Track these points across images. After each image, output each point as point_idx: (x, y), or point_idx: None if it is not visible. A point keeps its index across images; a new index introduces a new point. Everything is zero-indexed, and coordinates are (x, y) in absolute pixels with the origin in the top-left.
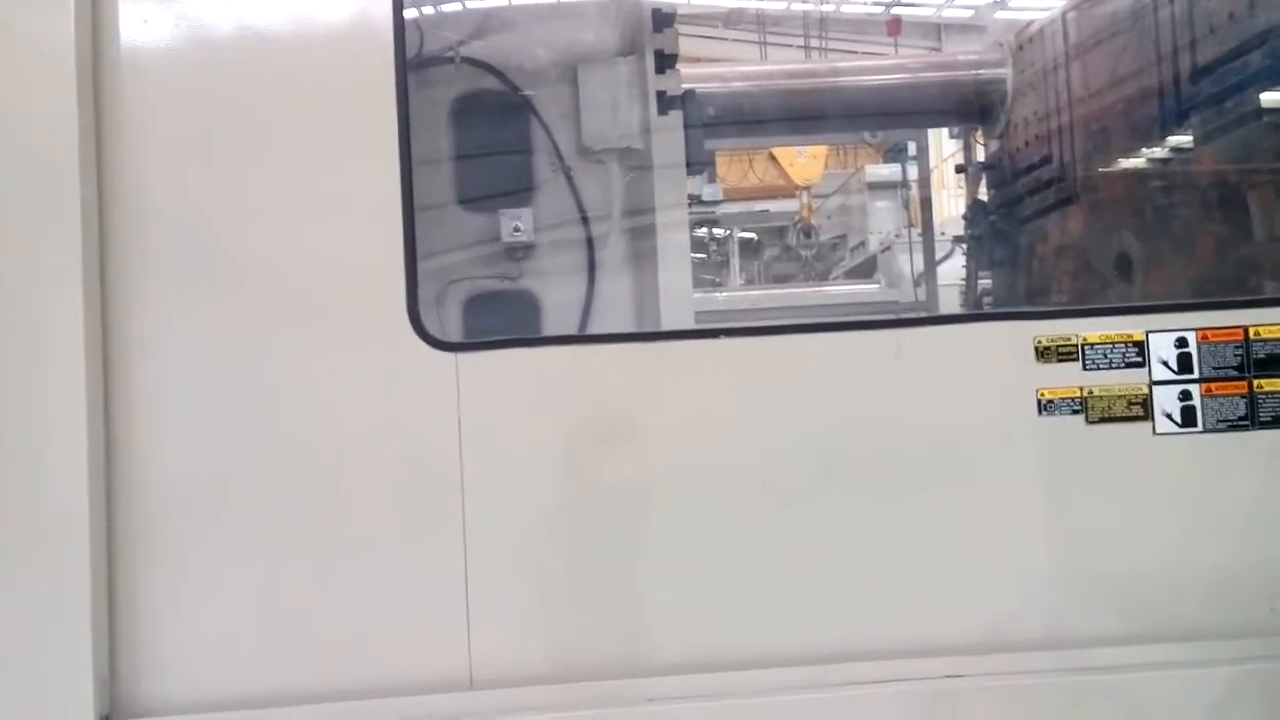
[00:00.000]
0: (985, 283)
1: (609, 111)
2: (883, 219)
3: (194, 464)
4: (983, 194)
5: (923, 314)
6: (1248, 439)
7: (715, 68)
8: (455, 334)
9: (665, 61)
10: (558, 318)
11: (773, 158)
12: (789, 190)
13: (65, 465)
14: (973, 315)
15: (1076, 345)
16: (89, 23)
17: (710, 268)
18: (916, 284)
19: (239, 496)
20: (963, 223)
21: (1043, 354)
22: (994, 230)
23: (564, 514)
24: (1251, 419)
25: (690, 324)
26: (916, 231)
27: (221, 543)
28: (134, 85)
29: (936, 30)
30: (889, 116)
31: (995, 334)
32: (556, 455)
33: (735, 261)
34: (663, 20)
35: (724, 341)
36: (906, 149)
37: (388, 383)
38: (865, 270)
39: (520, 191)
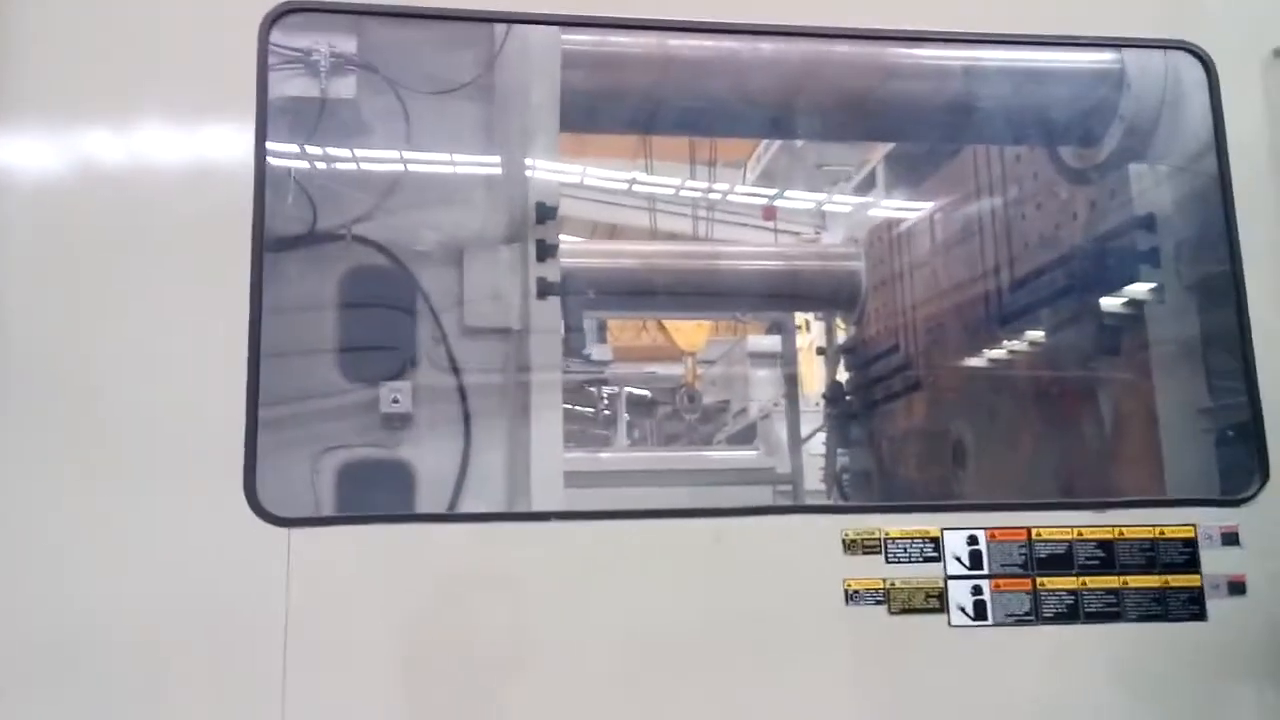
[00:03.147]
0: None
1: (491, 294)
2: (763, 388)
3: (17, 613)
4: (841, 375)
5: (742, 505)
6: (1031, 633)
7: (597, 244)
8: (328, 502)
9: (546, 251)
10: (432, 486)
11: (660, 324)
12: (677, 354)
13: None
14: (786, 508)
15: (880, 539)
16: None
17: (599, 425)
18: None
19: (57, 657)
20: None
21: (849, 546)
22: (849, 411)
23: (387, 695)
24: (1035, 614)
25: (559, 490)
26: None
27: (34, 706)
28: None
29: (820, 215)
30: (753, 298)
31: (807, 526)
32: (382, 634)
33: (622, 421)
34: (545, 213)
35: (554, 525)
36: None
37: (218, 551)
38: (746, 436)
39: (401, 364)
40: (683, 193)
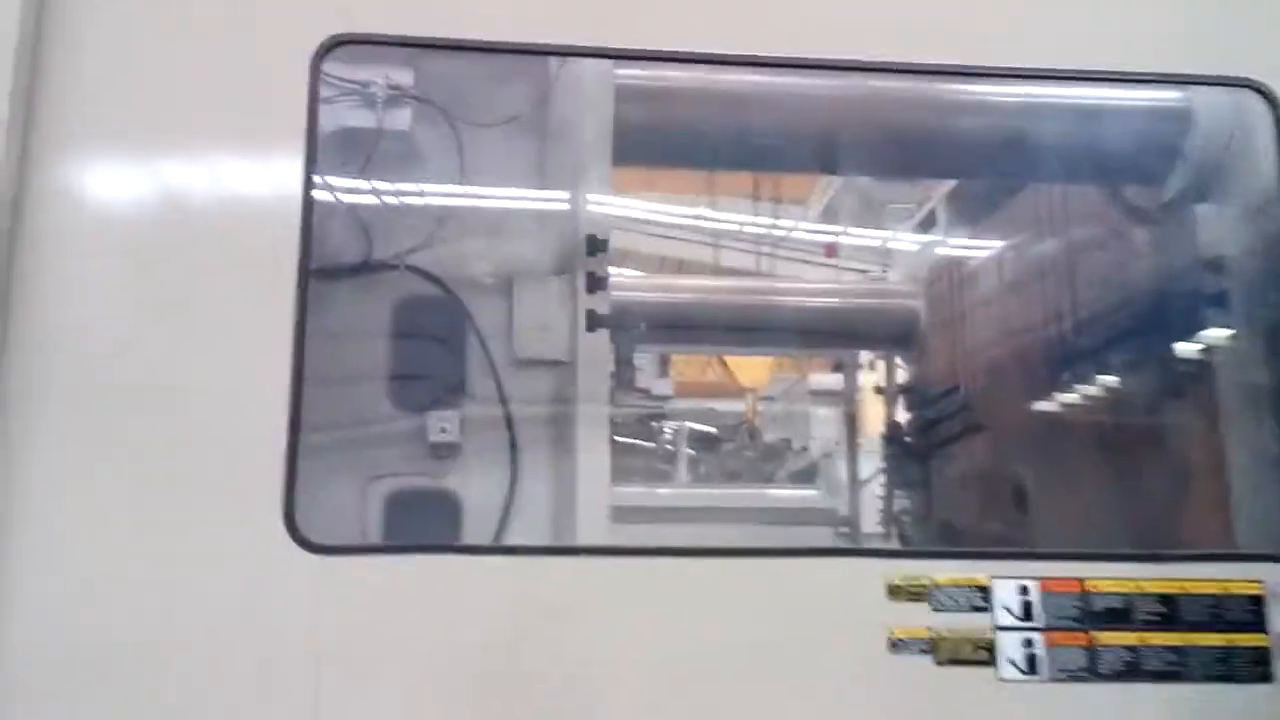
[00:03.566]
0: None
1: (540, 325)
2: (825, 426)
3: (52, 628)
4: (901, 416)
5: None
6: (1087, 690)
7: (650, 278)
8: (374, 531)
9: (596, 283)
10: (478, 517)
11: (722, 360)
12: (740, 391)
13: None
14: (828, 550)
15: (926, 586)
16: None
17: (660, 461)
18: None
19: (87, 675)
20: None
21: (894, 592)
22: (908, 452)
23: None
24: (1091, 671)
25: (605, 524)
26: (859, 442)
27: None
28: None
29: (885, 253)
30: (808, 335)
31: (851, 569)
32: (416, 666)
33: (683, 457)
34: (596, 246)
35: (593, 560)
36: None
37: (254, 577)
38: (807, 475)
39: (450, 393)
40: (747, 229)
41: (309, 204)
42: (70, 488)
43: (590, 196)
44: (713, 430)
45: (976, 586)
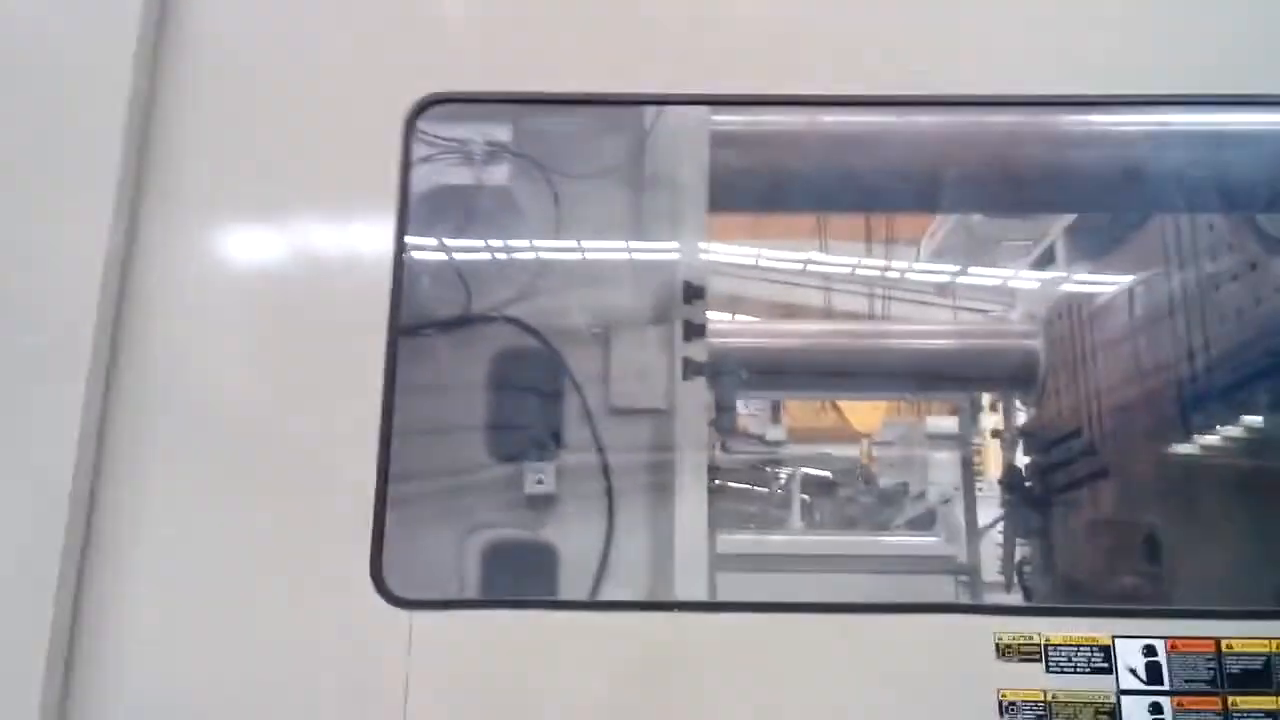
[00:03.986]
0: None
1: (637, 374)
2: (943, 471)
3: (150, 692)
4: (1020, 460)
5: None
6: None
7: (752, 323)
8: (472, 584)
9: (693, 330)
10: (575, 569)
11: (835, 405)
12: (855, 436)
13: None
14: (931, 606)
15: (1040, 645)
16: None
17: (775, 506)
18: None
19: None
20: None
21: (1004, 652)
22: (1028, 498)
23: None
24: None
25: (703, 575)
26: (979, 487)
27: None
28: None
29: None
30: (920, 378)
31: (956, 626)
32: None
33: (797, 503)
34: (693, 293)
35: (684, 615)
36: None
37: (340, 631)
38: (925, 522)
39: (546, 445)
40: (859, 272)
41: (400, 261)
42: (161, 536)
43: (687, 244)
44: (828, 475)
45: (1097, 646)
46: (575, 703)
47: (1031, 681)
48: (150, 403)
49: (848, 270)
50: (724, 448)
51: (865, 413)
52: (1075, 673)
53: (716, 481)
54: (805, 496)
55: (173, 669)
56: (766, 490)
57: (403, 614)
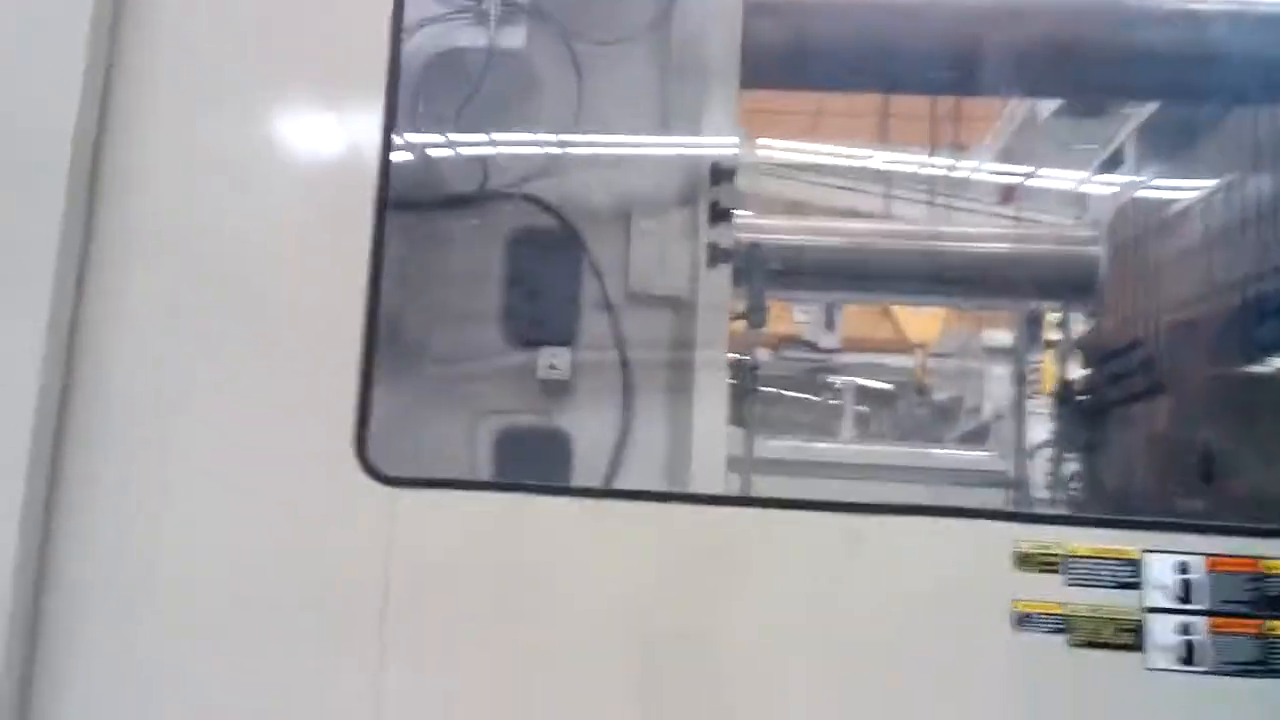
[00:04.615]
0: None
1: (658, 259)
2: (1000, 385)
3: (126, 551)
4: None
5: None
6: (1256, 687)
7: (787, 220)
8: (485, 467)
9: (719, 214)
10: (589, 458)
11: (887, 312)
12: (908, 346)
13: None
14: (945, 509)
15: (1059, 556)
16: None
17: (827, 415)
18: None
19: (146, 597)
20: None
21: (1022, 561)
22: (1081, 413)
23: (482, 670)
24: (1263, 665)
25: (720, 473)
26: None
27: (140, 643)
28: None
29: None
30: (974, 285)
31: (973, 532)
32: (485, 607)
33: (849, 412)
34: (721, 174)
35: (669, 507)
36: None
37: (322, 506)
38: (979, 436)
39: (562, 329)
40: (922, 172)
41: (389, 126)
42: (141, 407)
43: (715, 121)
44: (888, 386)
45: (1125, 559)
46: (570, 591)
47: (1049, 593)
48: (134, 251)
49: (908, 171)
50: (775, 351)
51: (922, 323)
52: (1098, 586)
53: (757, 386)
54: (859, 407)
55: (150, 542)
56: (818, 398)
57: (387, 490)
